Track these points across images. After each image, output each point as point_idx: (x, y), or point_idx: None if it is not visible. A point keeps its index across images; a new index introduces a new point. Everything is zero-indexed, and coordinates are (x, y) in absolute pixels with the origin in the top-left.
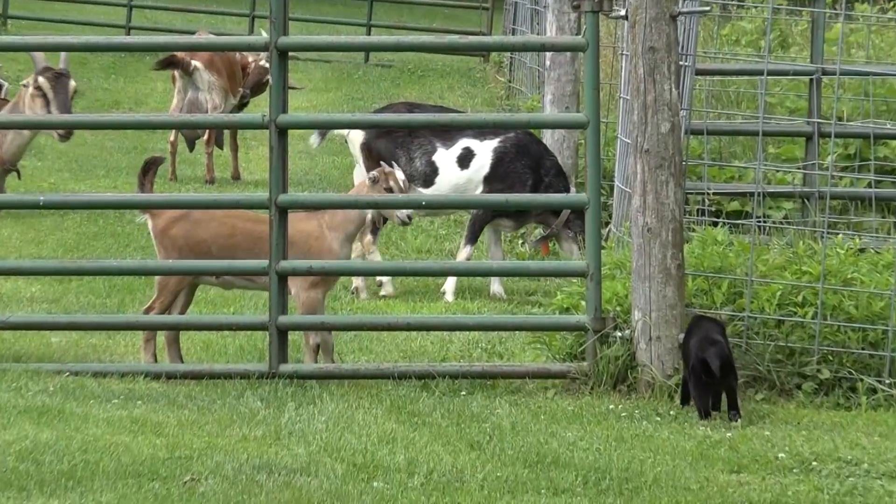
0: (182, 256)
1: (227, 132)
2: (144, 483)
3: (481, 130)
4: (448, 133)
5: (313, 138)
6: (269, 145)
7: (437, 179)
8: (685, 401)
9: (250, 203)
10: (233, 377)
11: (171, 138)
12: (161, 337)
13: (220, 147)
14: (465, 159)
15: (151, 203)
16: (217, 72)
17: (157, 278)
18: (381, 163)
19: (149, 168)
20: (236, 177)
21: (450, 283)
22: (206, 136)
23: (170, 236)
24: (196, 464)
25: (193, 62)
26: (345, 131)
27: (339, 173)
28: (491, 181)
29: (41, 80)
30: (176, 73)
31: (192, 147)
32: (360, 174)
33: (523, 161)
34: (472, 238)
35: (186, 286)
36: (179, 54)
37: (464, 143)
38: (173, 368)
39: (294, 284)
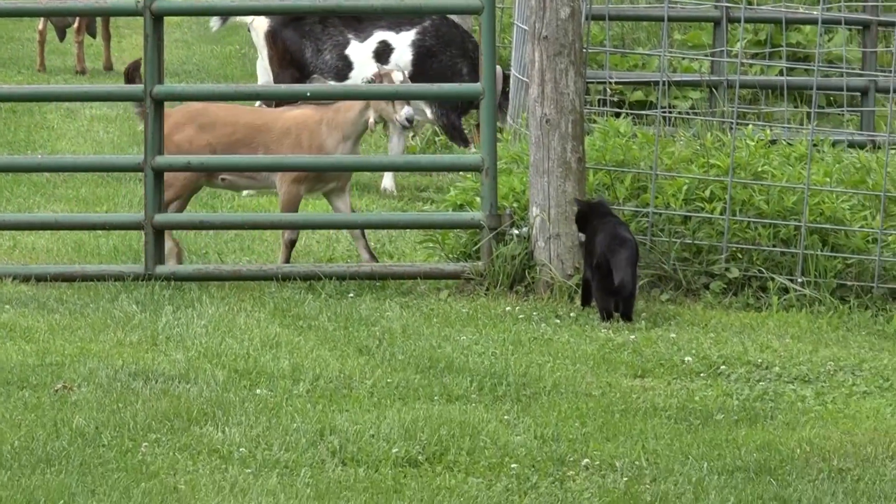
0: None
1: (99, 20)
2: (13, 392)
3: (395, 21)
4: (361, 24)
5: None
6: (143, 33)
7: (352, 75)
8: (586, 301)
9: (124, 94)
10: (106, 279)
11: (40, 27)
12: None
13: (93, 36)
14: (382, 54)
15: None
16: None
17: (165, 176)
18: (378, 67)
19: (133, 77)
20: (108, 67)
21: (388, 180)
22: (76, 25)
23: (174, 142)
24: (68, 371)
25: None
26: (248, 18)
27: (218, 63)
28: (418, 79)
29: None
30: None
31: (62, 36)
32: (263, 67)
33: (450, 51)
34: (464, 139)
35: (197, 188)
36: None
37: (379, 35)
38: (43, 270)
39: (277, 177)
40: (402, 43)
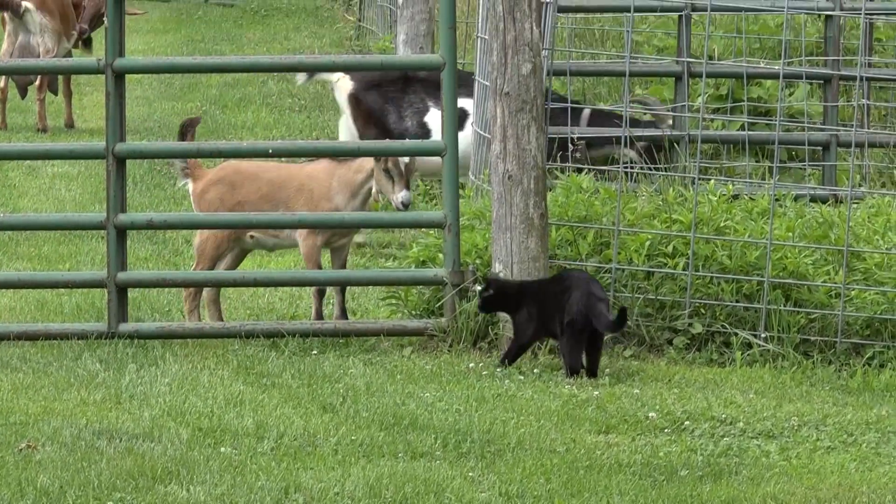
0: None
1: (60, 77)
2: None
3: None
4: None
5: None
6: (105, 91)
7: None
8: (511, 359)
9: (86, 153)
10: (70, 337)
11: (1, 84)
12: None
13: (55, 93)
14: (459, 122)
15: None
16: (49, 13)
17: (194, 244)
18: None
19: (186, 132)
20: (70, 125)
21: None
22: (38, 82)
23: (206, 200)
24: (32, 430)
25: (24, 3)
26: (333, 77)
27: (180, 119)
28: None
29: None
30: (6, 15)
31: (23, 94)
32: (346, 126)
33: None
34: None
35: (227, 250)
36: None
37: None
38: (5, 329)
39: (297, 233)
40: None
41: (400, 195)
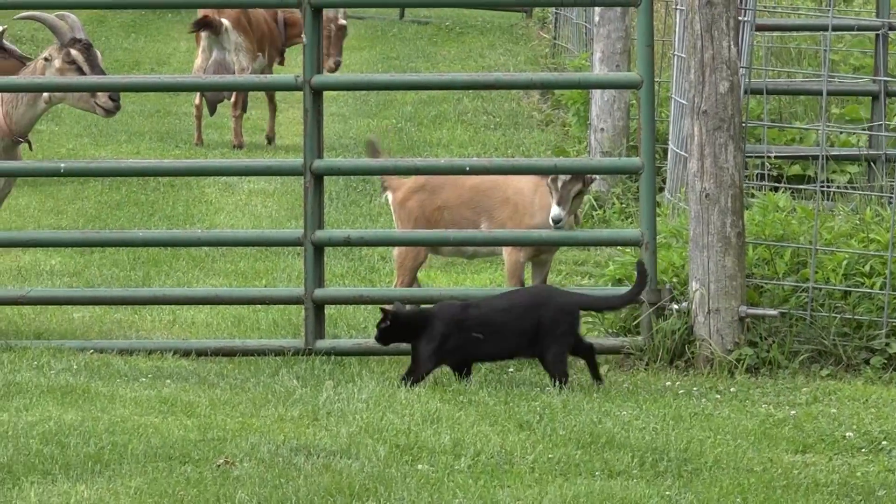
0: (418, 227)
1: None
2: (176, 466)
3: None
4: None
5: None
6: (303, 108)
7: None
8: (416, 381)
9: (284, 169)
10: (267, 354)
11: (196, 101)
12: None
13: (244, 111)
14: None
15: (177, 170)
16: (244, 32)
17: (394, 256)
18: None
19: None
20: (271, 139)
21: None
22: (233, 99)
23: (407, 208)
24: (230, 446)
25: (224, 22)
26: None
27: (375, 136)
28: None
29: (74, 52)
30: (202, 32)
31: (212, 111)
32: None
33: None
34: None
35: (424, 261)
36: (210, 14)
37: None
38: (202, 345)
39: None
40: None
41: (551, 212)
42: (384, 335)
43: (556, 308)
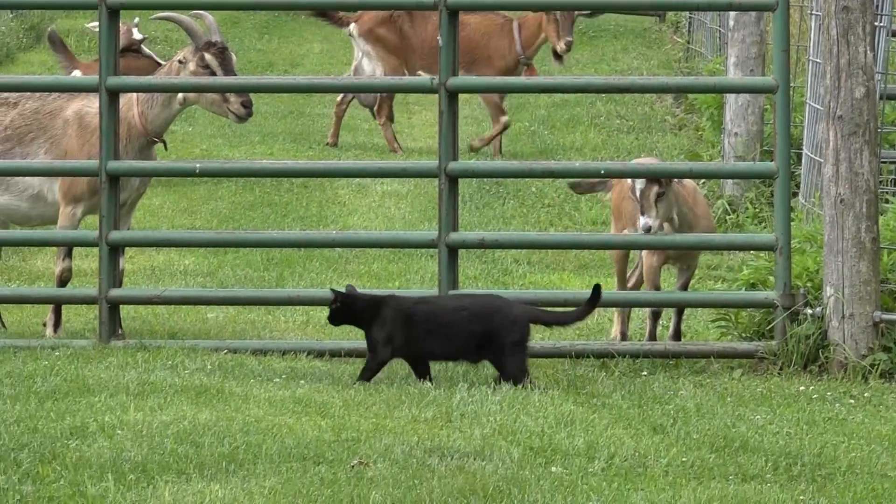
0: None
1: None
2: (310, 467)
3: None
4: None
5: None
6: (438, 110)
7: None
8: (369, 376)
9: (419, 171)
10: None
11: (339, 100)
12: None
13: (391, 120)
14: None
15: (312, 171)
16: (378, 42)
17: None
18: None
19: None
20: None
21: None
22: (377, 107)
23: (619, 210)
24: (364, 447)
25: (351, 25)
26: None
27: (508, 140)
28: None
29: (208, 56)
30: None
31: (373, 114)
32: None
33: None
34: None
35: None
36: (343, 15)
37: None
38: (337, 346)
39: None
40: None
41: (640, 223)
42: (334, 316)
43: (508, 317)
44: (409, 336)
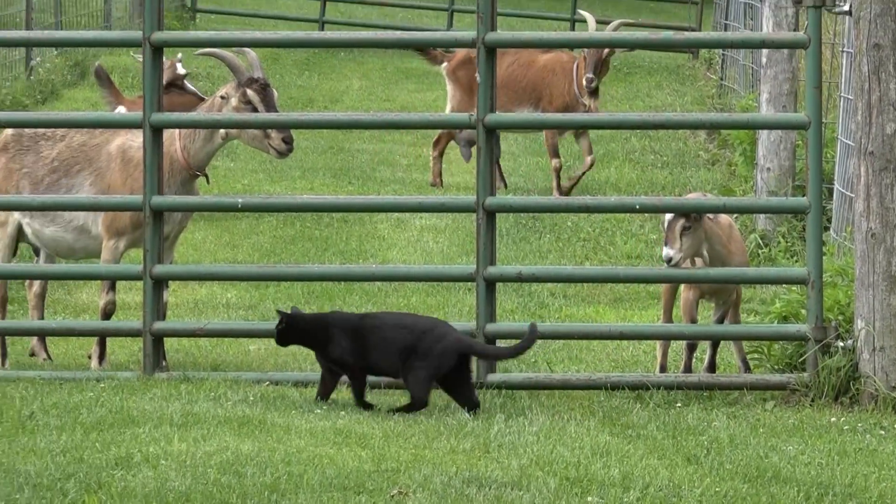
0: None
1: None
2: (350, 497)
3: None
4: None
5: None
6: (476, 146)
7: None
8: (361, 398)
9: (457, 206)
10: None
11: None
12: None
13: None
14: None
15: (352, 206)
16: (457, 82)
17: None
18: None
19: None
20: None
21: None
22: (435, 138)
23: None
24: (403, 477)
25: (443, 64)
26: None
27: (544, 175)
28: None
29: (250, 92)
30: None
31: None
32: None
33: None
34: None
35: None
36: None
37: None
38: (376, 378)
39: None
40: None
41: (663, 251)
42: (281, 336)
43: (436, 340)
44: (355, 349)
